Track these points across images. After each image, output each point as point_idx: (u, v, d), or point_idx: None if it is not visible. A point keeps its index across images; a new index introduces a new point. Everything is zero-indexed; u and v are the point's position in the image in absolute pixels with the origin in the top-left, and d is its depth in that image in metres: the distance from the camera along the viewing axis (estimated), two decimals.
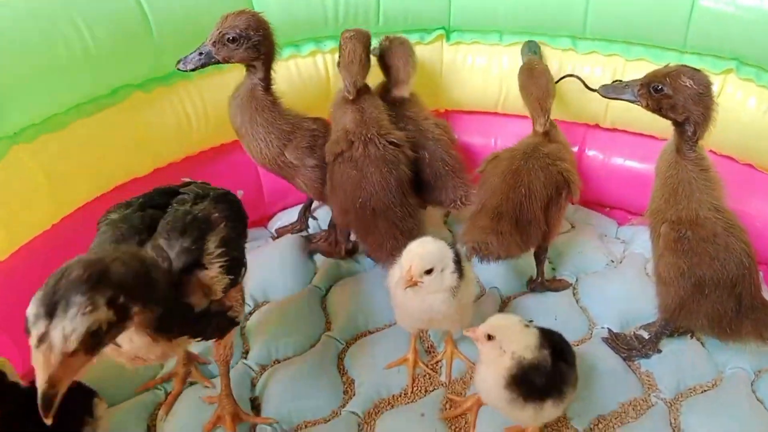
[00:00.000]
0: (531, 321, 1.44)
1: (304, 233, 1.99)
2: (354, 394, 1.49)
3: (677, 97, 1.36)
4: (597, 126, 1.97)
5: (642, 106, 1.44)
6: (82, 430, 1.22)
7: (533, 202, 1.55)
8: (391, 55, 1.78)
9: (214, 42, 1.51)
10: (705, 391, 1.50)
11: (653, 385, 1.50)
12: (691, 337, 1.61)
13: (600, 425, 1.40)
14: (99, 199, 1.66)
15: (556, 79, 1.76)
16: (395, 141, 1.63)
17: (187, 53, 1.69)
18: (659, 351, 1.56)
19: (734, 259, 1.38)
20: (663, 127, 1.73)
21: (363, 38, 1.65)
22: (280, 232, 1.99)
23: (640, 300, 1.66)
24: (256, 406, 1.47)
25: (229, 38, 1.50)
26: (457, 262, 1.32)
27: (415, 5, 1.87)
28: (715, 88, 1.68)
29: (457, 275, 1.31)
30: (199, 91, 1.77)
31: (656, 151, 1.55)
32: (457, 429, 1.40)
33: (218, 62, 1.54)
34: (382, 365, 1.53)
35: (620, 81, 1.52)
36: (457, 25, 1.94)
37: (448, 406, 1.45)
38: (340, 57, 1.65)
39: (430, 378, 1.52)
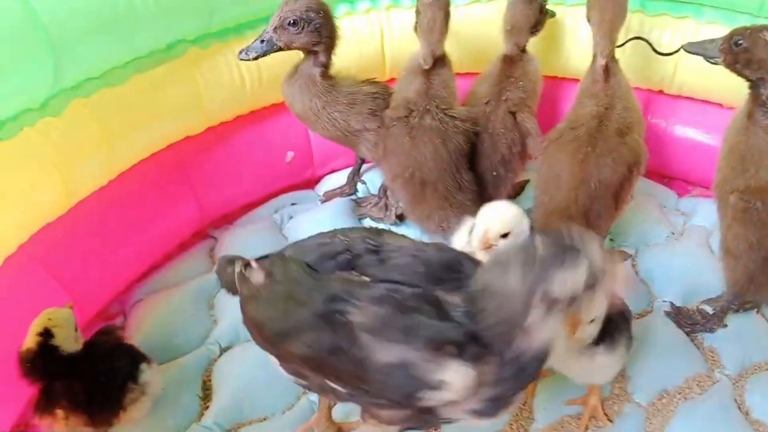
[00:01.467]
0: None
1: (352, 197, 1.97)
2: None
3: (754, 52, 1.33)
4: (661, 92, 1.89)
5: (721, 62, 1.40)
6: (126, 395, 1.25)
7: (605, 194, 1.49)
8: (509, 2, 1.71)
9: (275, 28, 1.49)
10: None
11: (717, 360, 1.46)
12: (757, 311, 1.55)
13: (663, 400, 1.37)
14: (153, 158, 1.66)
15: (622, 42, 1.68)
16: (454, 114, 1.59)
17: (242, 8, 1.68)
18: (725, 326, 1.51)
19: None
20: (730, 95, 1.69)
21: (443, 5, 1.60)
22: (329, 196, 1.97)
23: (703, 274, 1.61)
24: None
25: (289, 22, 1.48)
26: (532, 230, 1.28)
27: None
28: None
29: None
30: None
31: (722, 120, 1.49)
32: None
33: (280, 49, 1.53)
34: None
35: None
36: None
37: None
38: (417, 22, 1.60)
39: None
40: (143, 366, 1.28)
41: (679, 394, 1.38)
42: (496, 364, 0.91)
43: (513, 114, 1.67)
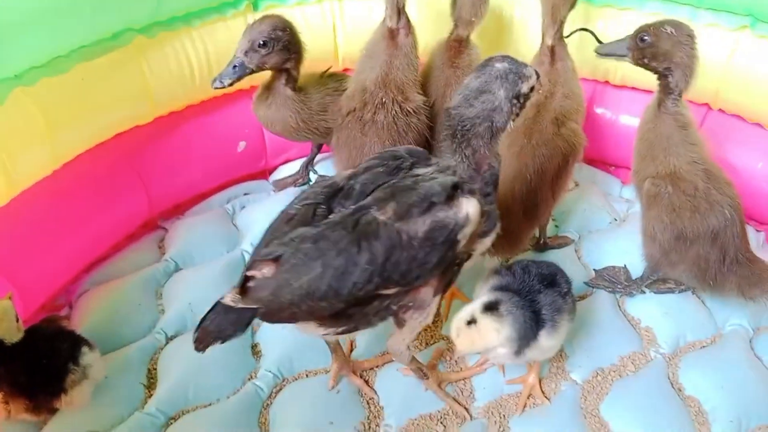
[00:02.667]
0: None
1: (305, 187, 1.98)
2: (355, 347, 1.49)
3: (659, 46, 1.39)
4: (607, 83, 1.94)
5: (630, 59, 1.46)
6: (67, 377, 1.25)
7: (541, 185, 1.53)
8: None
9: (246, 51, 1.51)
10: (704, 347, 1.51)
11: (653, 340, 1.51)
12: (692, 293, 1.61)
13: (598, 377, 1.42)
14: (100, 147, 1.65)
15: (568, 33, 1.71)
16: (409, 110, 1.60)
17: None
18: (642, 292, 1.60)
19: (715, 212, 1.40)
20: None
21: None
22: (281, 185, 1.98)
23: (641, 258, 1.65)
24: (256, 353, 1.48)
25: (259, 44, 1.50)
26: None
27: None
28: (728, 43, 1.69)
29: None
30: (202, 37, 1.74)
31: None
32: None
33: (252, 72, 1.54)
34: None
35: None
36: None
37: (448, 357, 1.46)
38: None
39: (430, 330, 1.52)
40: (84, 349, 1.29)
41: (614, 372, 1.43)
42: (481, 189, 1.16)
43: None
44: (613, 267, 1.65)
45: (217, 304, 1.09)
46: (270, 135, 1.94)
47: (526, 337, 1.24)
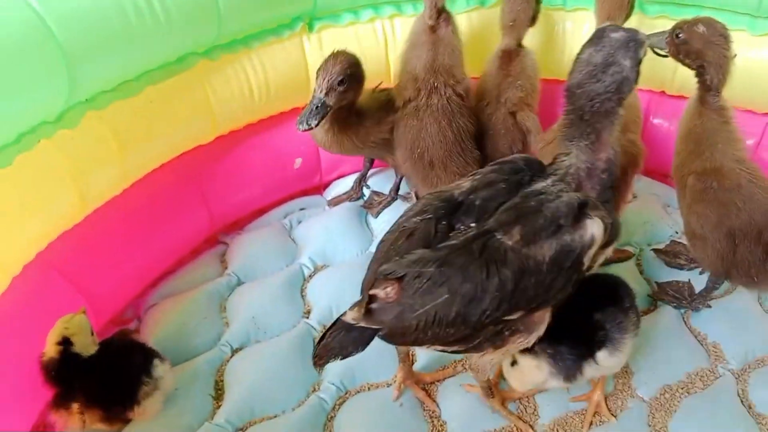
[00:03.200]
0: None
1: (360, 201, 2.01)
2: (416, 360, 1.49)
3: (692, 43, 1.42)
4: (663, 93, 1.91)
5: (668, 53, 1.48)
6: (140, 389, 1.30)
7: None
8: None
9: (327, 92, 1.53)
10: None
11: (720, 355, 1.47)
12: (760, 305, 1.56)
13: (666, 395, 1.39)
14: (165, 167, 1.71)
15: None
16: (461, 92, 1.63)
17: (249, 18, 1.73)
18: (708, 306, 1.57)
19: (759, 209, 1.39)
20: (731, 95, 1.71)
21: None
22: (335, 201, 2.01)
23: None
24: None
25: (339, 81, 1.53)
26: None
27: None
28: None
29: None
30: (260, 58, 1.78)
31: None
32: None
33: (331, 109, 1.56)
34: None
35: None
36: None
37: None
38: None
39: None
40: (156, 361, 1.34)
41: (682, 389, 1.39)
42: (599, 193, 1.15)
43: (513, 114, 1.71)
44: (677, 282, 1.62)
45: (338, 320, 1.08)
46: (325, 151, 1.98)
47: (568, 368, 1.23)
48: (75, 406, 1.28)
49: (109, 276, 1.57)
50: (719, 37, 1.40)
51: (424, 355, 1.49)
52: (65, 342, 1.29)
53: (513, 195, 1.12)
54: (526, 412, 1.37)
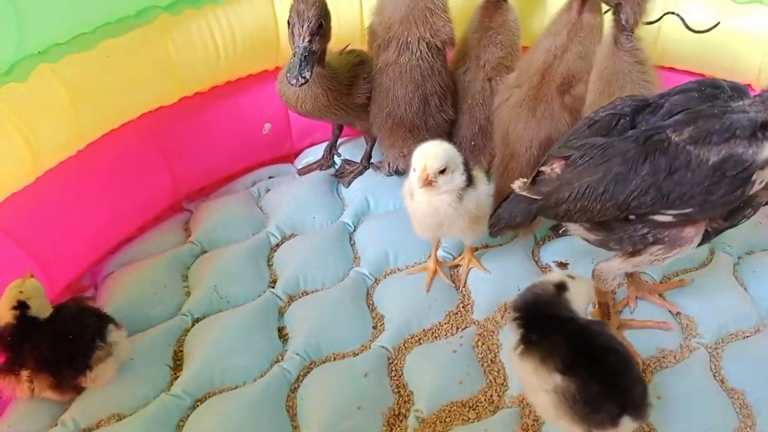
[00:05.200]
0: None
1: (330, 170, 1.94)
2: (384, 329, 1.46)
3: None
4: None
5: None
6: (93, 353, 1.25)
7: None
8: None
9: (310, 38, 1.43)
10: (747, 337, 1.44)
11: (694, 329, 1.45)
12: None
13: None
14: (125, 127, 1.63)
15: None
16: (438, 45, 1.58)
17: None
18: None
19: None
20: (711, 64, 1.70)
21: None
22: (305, 170, 1.94)
23: None
24: (283, 335, 1.45)
25: (318, 25, 1.44)
26: (466, 165, 1.33)
27: None
28: None
29: (465, 178, 1.32)
30: (227, 16, 1.70)
31: None
32: (490, 366, 1.37)
33: (317, 55, 1.47)
34: (412, 302, 1.49)
35: None
36: None
37: (480, 343, 1.42)
38: None
39: (462, 316, 1.48)
40: (111, 326, 1.29)
41: (655, 363, 1.36)
42: None
43: (490, 81, 1.65)
44: None
45: (511, 193, 1.26)
46: (295, 117, 1.90)
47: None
48: (24, 373, 1.22)
49: (64, 241, 1.49)
50: None
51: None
52: (21, 306, 1.25)
53: (704, 104, 1.11)
54: (495, 382, 1.33)
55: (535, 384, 1.06)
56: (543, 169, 1.19)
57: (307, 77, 1.42)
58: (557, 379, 1.02)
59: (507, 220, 1.26)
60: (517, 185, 1.21)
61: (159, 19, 1.58)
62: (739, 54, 1.70)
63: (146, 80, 1.59)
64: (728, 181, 1.05)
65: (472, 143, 1.70)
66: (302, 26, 1.43)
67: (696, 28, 1.64)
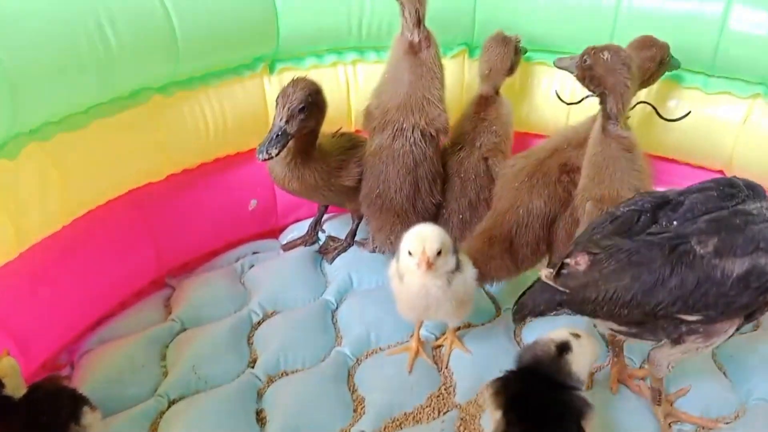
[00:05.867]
0: None
1: (315, 247, 1.95)
2: (364, 413, 1.43)
3: (596, 69, 1.44)
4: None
5: (576, 76, 1.51)
6: None
7: (531, 222, 1.56)
8: (484, 45, 1.75)
9: (288, 119, 1.48)
10: (728, 423, 1.43)
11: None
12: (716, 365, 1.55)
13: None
14: (111, 203, 1.64)
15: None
16: (432, 133, 1.62)
17: (208, 59, 1.70)
18: None
19: None
20: (686, 150, 1.79)
21: None
22: (289, 246, 1.95)
23: None
24: (261, 418, 1.42)
25: (300, 109, 1.49)
26: (454, 251, 1.35)
27: (440, 20, 1.85)
28: (742, 110, 1.69)
29: (454, 261, 1.33)
30: (219, 97, 1.75)
31: None
32: None
33: (292, 137, 1.51)
34: (394, 383, 1.48)
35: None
36: (479, 42, 1.92)
37: (462, 428, 1.40)
38: None
39: (443, 399, 1.47)
40: (86, 408, 1.25)
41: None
42: None
43: (486, 160, 1.72)
44: None
45: (537, 280, 1.26)
46: (281, 193, 1.93)
47: None
48: None
49: (43, 319, 1.47)
50: (622, 65, 1.42)
51: None
52: None
53: (723, 204, 1.16)
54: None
55: None
56: (568, 261, 1.21)
57: (273, 154, 1.46)
58: None
59: (531, 308, 1.27)
60: (543, 274, 1.22)
61: (151, 101, 1.62)
62: (710, 140, 1.78)
63: (136, 158, 1.62)
64: (752, 291, 1.10)
65: (460, 216, 1.73)
66: (284, 107, 1.48)
67: (668, 117, 1.72)
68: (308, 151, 1.61)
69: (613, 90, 1.42)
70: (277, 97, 1.52)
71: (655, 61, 1.66)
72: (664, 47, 1.66)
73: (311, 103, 1.51)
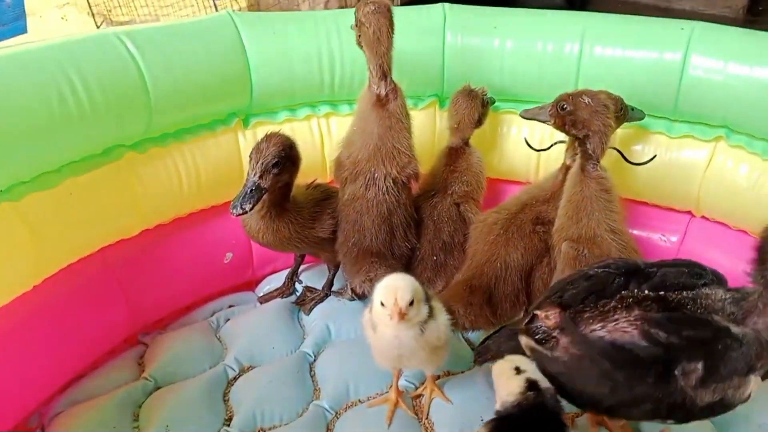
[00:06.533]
0: None
1: (292, 298, 1.94)
2: None
3: (577, 114, 1.49)
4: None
5: (551, 125, 1.56)
6: None
7: (509, 275, 1.57)
8: (452, 99, 1.80)
9: (261, 174, 1.49)
10: None
11: None
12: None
13: None
14: (83, 261, 1.62)
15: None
16: (404, 180, 1.64)
17: (181, 115, 1.71)
18: None
19: None
20: (654, 194, 1.82)
21: (387, 13, 1.53)
22: (266, 298, 1.94)
23: None
24: None
25: (273, 164, 1.50)
26: (427, 299, 1.34)
27: (410, 72, 1.90)
28: (706, 153, 1.74)
29: (427, 310, 1.33)
30: (192, 152, 1.76)
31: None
32: None
33: (266, 192, 1.51)
34: None
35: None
36: (449, 93, 1.96)
37: None
38: (361, 35, 1.56)
39: None
40: None
41: None
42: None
43: (458, 205, 1.75)
44: None
45: (503, 327, 1.31)
46: (257, 245, 1.92)
47: None
48: None
49: (13, 380, 1.43)
50: (603, 107, 1.48)
51: None
52: None
53: (692, 281, 1.19)
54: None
55: None
56: (537, 313, 1.20)
57: (246, 209, 1.47)
58: None
59: (494, 353, 1.28)
60: (523, 342, 1.22)
61: (125, 158, 1.63)
62: (677, 183, 1.82)
63: (109, 216, 1.61)
64: (717, 413, 1.18)
65: (434, 258, 1.74)
66: (257, 162, 1.49)
67: (635, 161, 1.77)
68: (282, 204, 1.62)
69: (598, 131, 1.47)
70: (251, 152, 1.53)
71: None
72: (617, 100, 1.68)
73: (285, 157, 1.52)
